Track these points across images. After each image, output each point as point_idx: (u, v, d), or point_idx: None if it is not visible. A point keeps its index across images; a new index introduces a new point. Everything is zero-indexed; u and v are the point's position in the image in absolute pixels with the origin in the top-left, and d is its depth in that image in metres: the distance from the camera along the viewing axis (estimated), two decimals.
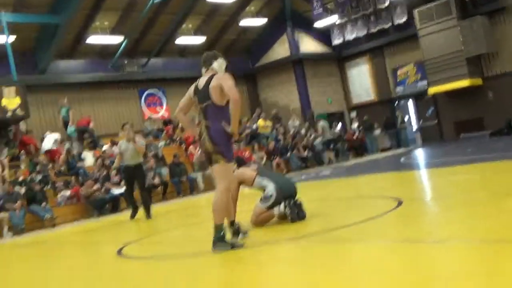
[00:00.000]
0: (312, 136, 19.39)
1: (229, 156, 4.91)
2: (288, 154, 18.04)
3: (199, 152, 16.30)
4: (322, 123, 19.62)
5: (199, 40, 20.61)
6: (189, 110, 5.33)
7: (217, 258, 4.75)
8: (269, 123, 19.92)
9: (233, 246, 4.75)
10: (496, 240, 3.55)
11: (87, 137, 17.14)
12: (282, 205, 5.78)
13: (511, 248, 3.30)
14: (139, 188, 10.14)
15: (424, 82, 20.93)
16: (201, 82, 5.03)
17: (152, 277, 4.45)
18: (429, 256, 3.55)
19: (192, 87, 5.14)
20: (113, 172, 13.74)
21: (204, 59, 5.17)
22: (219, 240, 4.73)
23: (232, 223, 5.22)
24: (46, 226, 12.23)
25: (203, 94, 4.94)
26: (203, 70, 5.12)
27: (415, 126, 22.67)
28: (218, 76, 4.93)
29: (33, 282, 5.41)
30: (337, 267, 3.62)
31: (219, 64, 5.09)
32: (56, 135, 15.88)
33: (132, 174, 10.02)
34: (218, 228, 4.75)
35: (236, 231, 5.18)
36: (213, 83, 4.88)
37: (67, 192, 13.62)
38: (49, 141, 15.56)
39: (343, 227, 5.04)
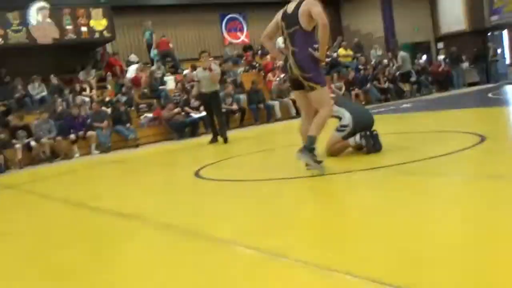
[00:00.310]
0: (395, 67, 18.68)
1: (322, 80, 5.02)
2: (368, 85, 17.56)
3: (277, 79, 16.26)
4: (402, 53, 18.78)
5: None
6: (274, 36, 5.48)
7: (289, 184, 4.86)
8: (350, 52, 19.35)
9: (316, 162, 4.83)
10: None
11: (169, 60, 17.53)
12: (358, 136, 5.70)
13: None
14: (216, 114, 10.44)
15: None
16: (290, 7, 5.04)
17: (225, 196, 4.67)
18: (509, 192, 3.41)
19: (280, 12, 5.17)
20: (192, 99, 14.05)
21: None
22: (308, 150, 4.86)
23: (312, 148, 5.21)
24: (130, 146, 12.88)
25: (291, 19, 4.97)
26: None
27: (508, 60, 21.22)
28: (307, 2, 4.91)
29: (119, 193, 5.81)
30: (412, 198, 3.57)
31: None
32: (136, 66, 16.27)
33: (208, 101, 10.33)
34: (312, 139, 4.90)
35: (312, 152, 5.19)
36: (302, 8, 4.89)
37: (150, 114, 14.17)
38: (132, 70, 16.05)
39: (420, 160, 4.91)
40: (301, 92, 5.16)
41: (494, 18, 20.76)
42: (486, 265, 2.20)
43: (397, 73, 18.38)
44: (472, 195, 3.50)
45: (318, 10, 4.79)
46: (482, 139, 5.64)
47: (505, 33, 21.34)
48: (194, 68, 14.82)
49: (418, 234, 2.73)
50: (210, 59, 11.41)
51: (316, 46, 4.98)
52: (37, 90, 14.16)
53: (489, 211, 3.00)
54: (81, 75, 15.50)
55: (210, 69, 10.19)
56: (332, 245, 2.81)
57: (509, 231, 2.59)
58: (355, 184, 4.53)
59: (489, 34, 21.36)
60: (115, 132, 13.07)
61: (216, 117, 10.50)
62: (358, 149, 5.77)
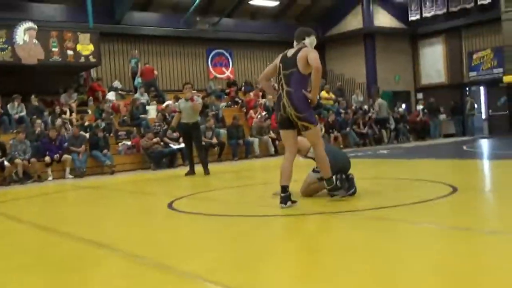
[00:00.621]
0: (372, 113, 19.03)
1: (315, 120, 5.36)
2: (348, 129, 17.82)
3: (258, 116, 16.40)
4: (379, 101, 19.19)
5: (272, 3, 20.41)
6: (271, 78, 5.91)
7: (262, 221, 4.86)
8: (332, 95, 19.68)
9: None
10: None
11: (152, 90, 17.59)
12: (333, 178, 5.75)
13: None
14: (196, 146, 10.47)
15: (500, 70, 19.98)
16: (290, 52, 5.42)
17: (197, 230, 4.65)
18: (476, 245, 3.47)
19: (280, 56, 5.53)
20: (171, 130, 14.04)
21: (298, 33, 5.57)
22: (334, 190, 5.41)
23: (285, 189, 5.26)
24: (105, 172, 12.77)
25: (290, 62, 5.34)
26: (295, 43, 5.50)
27: (484, 115, 21.78)
28: (306, 49, 5.33)
29: (90, 219, 5.72)
30: (379, 242, 3.60)
31: (310, 40, 5.50)
32: (113, 93, 16.31)
33: (189, 132, 10.34)
34: (330, 179, 5.41)
35: (288, 197, 5.23)
36: (301, 53, 5.28)
37: (128, 142, 14.12)
38: (111, 95, 16.08)
39: (392, 207, 4.98)
40: (289, 131, 5.42)
41: (472, 74, 21.41)
42: None
43: (374, 117, 18.69)
44: (438, 244, 3.55)
45: (313, 56, 5.18)
46: (454, 190, 5.75)
47: (482, 88, 21.97)
48: (177, 99, 14.89)
49: (380, 276, 2.76)
50: (193, 91, 11.50)
51: (309, 89, 5.33)
52: (16, 109, 14.03)
53: (453, 261, 3.04)
54: (63, 98, 15.44)
55: (192, 100, 10.26)
56: (300, 284, 2.81)
57: (470, 284, 2.63)
58: (326, 225, 4.56)
59: (467, 88, 21.97)
60: (91, 157, 12.97)
61: (196, 149, 10.53)
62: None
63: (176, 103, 11.29)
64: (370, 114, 18.99)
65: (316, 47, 5.54)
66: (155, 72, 17.97)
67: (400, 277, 2.82)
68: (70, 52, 14.92)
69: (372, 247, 3.57)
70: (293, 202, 5.26)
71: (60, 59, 14.75)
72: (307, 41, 5.47)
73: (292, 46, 5.51)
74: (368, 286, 2.67)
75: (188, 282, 2.99)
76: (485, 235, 3.80)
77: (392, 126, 18.95)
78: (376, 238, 3.86)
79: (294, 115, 5.26)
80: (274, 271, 3.14)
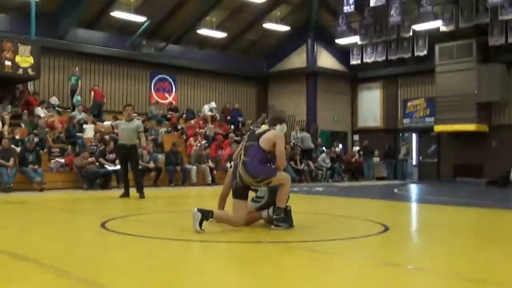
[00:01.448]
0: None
1: (272, 172, 5.56)
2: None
3: (198, 145, 16.35)
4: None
5: (220, 35, 20.65)
6: None
7: (194, 246, 4.84)
8: None
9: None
10: (470, 279, 3.58)
11: (97, 112, 17.20)
12: (271, 209, 5.81)
13: None
14: (132, 168, 10.30)
15: (432, 119, 21.00)
16: (258, 131, 5.78)
17: (128, 250, 4.56)
18: (402, 281, 3.59)
19: (248, 133, 5.97)
20: (110, 147, 13.76)
21: (271, 119, 6.09)
22: (282, 221, 5.58)
23: (211, 214, 5.37)
24: (34, 189, 12.25)
25: (253, 137, 5.67)
26: (265, 126, 5.99)
27: (414, 161, 22.71)
28: (276, 134, 5.69)
29: (16, 234, 5.46)
30: (309, 274, 3.65)
31: (281, 127, 5.85)
32: (43, 110, 15.84)
33: (126, 154, 10.17)
34: (280, 210, 5.60)
35: (206, 218, 5.31)
36: (268, 134, 5.61)
37: (62, 160, 13.67)
38: (41, 111, 15.57)
39: (325, 240, 5.09)
40: (241, 202, 5.58)
41: (406, 120, 22.39)
42: None
43: (322, 158, 19.18)
44: (368, 278, 3.64)
45: (281, 150, 5.57)
46: (385, 228, 5.93)
47: (414, 135, 22.97)
48: (116, 119, 14.67)
49: None
50: (134, 114, 11.36)
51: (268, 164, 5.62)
52: None
53: None
54: None
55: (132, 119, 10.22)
56: None
57: None
58: (258, 254, 4.57)
59: (400, 134, 22.90)
60: (20, 173, 12.43)
61: (133, 172, 10.33)
62: (270, 222, 5.86)
63: (115, 122, 11.08)
64: (314, 155, 19.44)
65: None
66: (105, 100, 17.83)
67: None
68: (8, 63, 14.43)
69: (303, 276, 3.62)
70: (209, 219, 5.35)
71: None
72: (278, 128, 5.79)
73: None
74: None
75: None
76: (412, 272, 3.94)
77: (328, 165, 19.37)
78: (308, 268, 3.92)
79: (254, 182, 5.53)
80: None
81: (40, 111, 15.55)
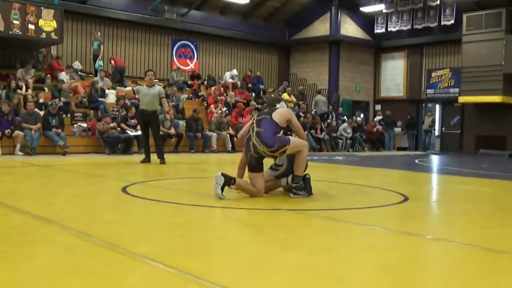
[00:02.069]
0: (335, 121, 19.37)
1: (286, 140, 5.51)
2: (306, 132, 17.99)
3: (219, 112, 16.36)
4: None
5: (242, 1, 20.37)
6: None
7: (215, 212, 4.88)
8: (293, 98, 19.84)
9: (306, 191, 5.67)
10: (490, 249, 3.55)
11: (119, 78, 17.25)
12: (290, 177, 5.81)
13: (504, 259, 3.31)
14: (153, 134, 10.35)
15: (456, 90, 20.65)
16: (267, 110, 5.83)
17: (150, 215, 4.62)
18: (421, 250, 3.59)
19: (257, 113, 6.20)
20: (132, 113, 13.84)
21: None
22: (299, 189, 5.60)
23: (233, 180, 5.43)
24: (57, 153, 12.46)
25: (264, 113, 5.71)
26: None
27: (437, 132, 22.44)
28: (288, 110, 5.91)
29: (39, 196, 5.57)
30: (328, 241, 3.67)
31: (281, 105, 5.94)
32: (64, 74, 15.90)
33: (147, 119, 10.20)
34: (299, 178, 5.63)
35: (228, 184, 5.38)
36: (281, 110, 5.69)
37: (84, 124, 13.82)
38: (64, 75, 15.63)
39: (344, 209, 5.09)
40: (257, 174, 5.56)
41: (430, 91, 22.04)
42: None
43: (343, 127, 19.11)
44: (386, 246, 3.64)
45: (298, 126, 5.82)
46: (405, 198, 5.91)
47: (438, 106, 22.64)
48: (136, 84, 14.68)
49: (324, 274, 2.81)
50: (155, 80, 11.36)
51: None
52: None
53: (398, 264, 3.13)
54: (19, 73, 14.97)
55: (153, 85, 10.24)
56: (247, 273, 2.83)
57: (412, 283, 2.72)
58: (277, 220, 4.60)
59: (423, 104, 22.58)
60: (44, 136, 12.62)
61: (153, 138, 10.39)
62: (288, 190, 5.87)
63: (136, 87, 11.09)
64: (329, 121, 19.32)
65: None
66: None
67: (343, 274, 2.88)
68: (31, 27, 14.47)
69: (321, 244, 3.64)
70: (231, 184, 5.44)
71: (20, 33, 14.28)
72: (278, 105, 5.84)
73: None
74: (312, 278, 2.72)
75: (139, 263, 2.95)
76: (431, 241, 3.93)
77: (349, 135, 19.25)
78: (326, 236, 3.94)
79: (268, 152, 5.45)
80: (226, 258, 3.15)
81: (64, 76, 15.66)
